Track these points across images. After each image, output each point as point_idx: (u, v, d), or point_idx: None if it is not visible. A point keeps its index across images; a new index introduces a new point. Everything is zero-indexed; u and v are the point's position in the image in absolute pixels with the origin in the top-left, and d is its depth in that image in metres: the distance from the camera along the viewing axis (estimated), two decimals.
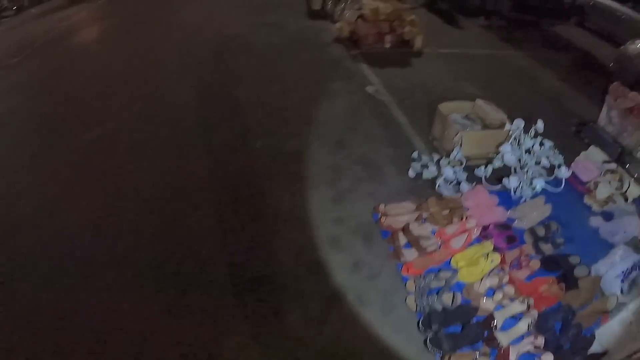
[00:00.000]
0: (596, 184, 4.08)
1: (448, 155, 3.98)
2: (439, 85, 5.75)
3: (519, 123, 3.86)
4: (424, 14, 8.52)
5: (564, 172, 3.77)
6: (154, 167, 3.91)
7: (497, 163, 3.80)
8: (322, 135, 4.42)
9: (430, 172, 3.87)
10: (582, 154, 4.54)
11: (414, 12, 7.67)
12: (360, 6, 7.19)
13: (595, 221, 3.64)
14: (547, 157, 3.85)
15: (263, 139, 4.31)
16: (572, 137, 5.12)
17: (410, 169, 3.92)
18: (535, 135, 3.93)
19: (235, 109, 4.87)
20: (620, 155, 4.65)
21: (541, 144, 3.92)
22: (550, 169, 3.94)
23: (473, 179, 3.85)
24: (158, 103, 5.01)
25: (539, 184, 3.70)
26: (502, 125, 4.20)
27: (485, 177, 3.83)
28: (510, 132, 3.85)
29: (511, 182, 3.67)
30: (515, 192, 3.72)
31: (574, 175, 4.09)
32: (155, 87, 5.39)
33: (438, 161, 3.97)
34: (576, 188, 3.99)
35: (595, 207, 3.85)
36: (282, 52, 6.50)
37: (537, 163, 3.88)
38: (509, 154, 3.72)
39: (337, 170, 3.92)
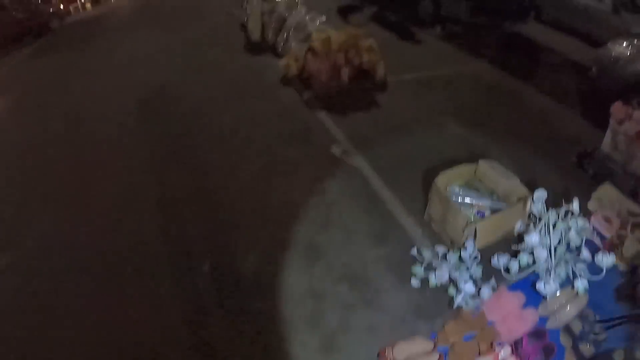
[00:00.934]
0: (620, 238, 3.34)
1: (455, 246, 3.08)
2: (417, 129, 4.83)
3: (541, 195, 2.99)
4: (374, 31, 7.60)
5: (607, 261, 2.90)
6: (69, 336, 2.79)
7: (524, 259, 2.90)
8: (286, 241, 3.35)
9: (438, 277, 2.93)
10: (594, 197, 3.79)
11: (364, 31, 6.78)
12: (307, 36, 6.22)
13: None
14: (586, 244, 2.98)
15: (210, 257, 3.24)
16: (574, 169, 4.40)
17: (412, 278, 2.97)
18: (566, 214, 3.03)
19: (170, 210, 3.76)
20: (634, 189, 3.97)
21: (571, 216, 3.05)
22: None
23: (490, 271, 2.96)
24: (69, 215, 3.86)
25: (582, 285, 2.82)
26: (515, 195, 3.34)
27: (505, 269, 2.95)
28: (535, 211, 2.96)
29: (547, 289, 2.78)
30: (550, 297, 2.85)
31: (593, 229, 3.31)
32: (61, 185, 4.22)
33: (444, 255, 3.06)
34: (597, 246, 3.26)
35: (622, 266, 3.14)
36: (220, 105, 5.41)
37: (570, 249, 3.01)
38: (539, 249, 2.82)
39: (317, 298, 2.88)
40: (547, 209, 2.93)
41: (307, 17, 6.75)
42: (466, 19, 7.61)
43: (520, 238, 2.99)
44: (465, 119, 5.05)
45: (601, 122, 5.14)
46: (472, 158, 3.83)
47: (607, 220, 3.68)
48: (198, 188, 3.96)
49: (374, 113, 5.18)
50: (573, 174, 4.25)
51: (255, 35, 7.30)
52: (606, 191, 3.93)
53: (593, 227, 3.47)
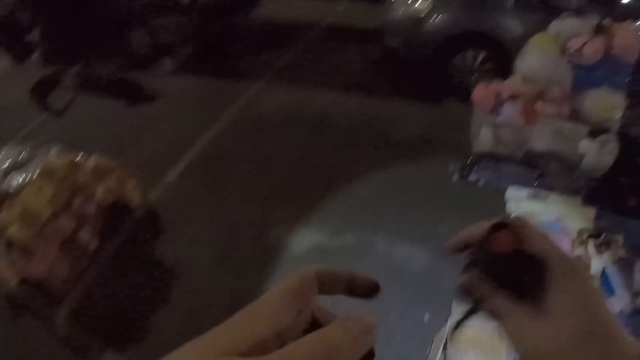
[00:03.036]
0: None
1: None
2: (263, 279, 2.91)
3: None
4: (91, 110, 5.15)
5: None
6: None
7: None
8: None
9: None
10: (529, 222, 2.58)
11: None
12: None
13: None
14: None
15: None
16: (458, 185, 3.18)
17: None
18: None
19: None
20: (539, 176, 3.32)
21: None
22: None
23: None
24: None
25: None
26: None
27: None
28: None
29: None
30: None
31: None
32: None
33: None
34: None
35: None
36: None
37: None
38: None
39: None
40: None
41: None
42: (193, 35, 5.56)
43: None
44: (304, 205, 3.30)
45: (432, 97, 3.99)
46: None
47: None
48: None
49: (177, 293, 3.04)
50: (459, 191, 3.30)
51: None
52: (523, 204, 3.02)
53: None
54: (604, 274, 2.83)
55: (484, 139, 3.17)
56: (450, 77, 3.88)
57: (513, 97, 3.11)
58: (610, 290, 2.80)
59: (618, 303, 2.78)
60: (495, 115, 3.07)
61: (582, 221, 3.14)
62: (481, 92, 3.07)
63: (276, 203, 3.41)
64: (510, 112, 3.01)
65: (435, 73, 3.96)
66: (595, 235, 2.73)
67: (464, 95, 3.41)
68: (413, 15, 3.88)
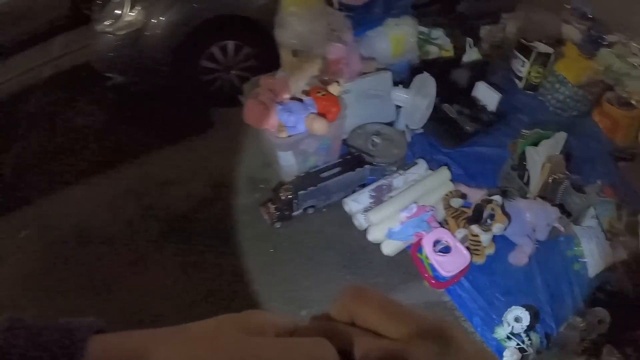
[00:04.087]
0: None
1: None
2: None
3: None
4: None
5: None
6: None
7: None
8: None
9: None
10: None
11: None
12: None
13: None
14: None
15: None
16: (288, 229, 2.40)
17: None
18: None
19: None
20: (372, 168, 2.59)
21: None
22: None
23: None
24: None
25: None
26: None
27: None
28: None
29: None
30: None
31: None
32: None
33: None
34: None
35: None
36: None
37: None
38: None
39: None
40: None
41: None
42: None
43: None
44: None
45: (195, 127, 2.96)
46: None
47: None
48: None
49: None
50: (296, 234, 2.38)
51: None
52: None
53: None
54: (497, 239, 2.37)
55: (286, 163, 2.28)
56: (205, 89, 2.86)
57: (295, 89, 2.25)
58: (509, 247, 2.38)
59: (522, 254, 2.36)
60: (286, 130, 2.17)
61: (441, 188, 2.56)
62: (255, 112, 2.11)
63: None
64: (302, 116, 2.14)
65: (186, 92, 2.91)
66: (475, 219, 2.12)
67: (235, 104, 2.45)
68: (125, 33, 2.68)
